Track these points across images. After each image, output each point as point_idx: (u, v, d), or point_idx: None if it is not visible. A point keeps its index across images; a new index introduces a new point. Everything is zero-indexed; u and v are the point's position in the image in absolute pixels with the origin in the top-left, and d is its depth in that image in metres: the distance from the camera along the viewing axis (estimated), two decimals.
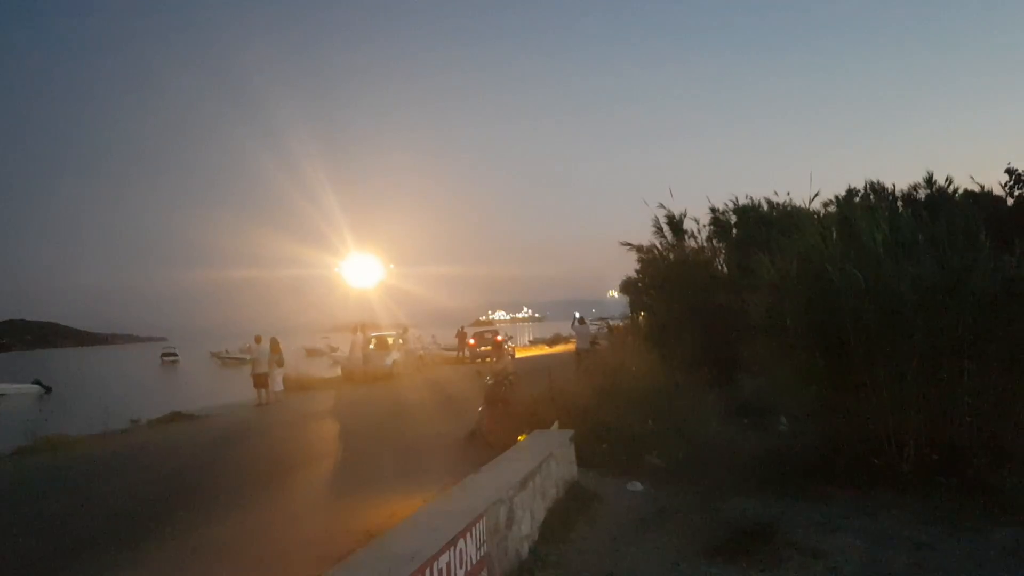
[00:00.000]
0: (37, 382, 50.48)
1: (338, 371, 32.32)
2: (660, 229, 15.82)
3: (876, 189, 16.00)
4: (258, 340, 23.09)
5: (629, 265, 18.45)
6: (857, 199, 15.61)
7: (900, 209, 14.31)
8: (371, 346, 31.03)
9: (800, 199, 14.72)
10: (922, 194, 15.83)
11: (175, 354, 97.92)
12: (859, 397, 8.68)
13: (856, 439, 8.73)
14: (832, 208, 14.33)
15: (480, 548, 5.15)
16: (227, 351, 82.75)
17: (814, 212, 13.79)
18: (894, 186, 15.87)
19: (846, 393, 8.85)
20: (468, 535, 4.94)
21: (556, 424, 10.37)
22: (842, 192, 15.26)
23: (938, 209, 12.36)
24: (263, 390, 22.14)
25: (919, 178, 15.59)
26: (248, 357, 26.84)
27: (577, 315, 27.89)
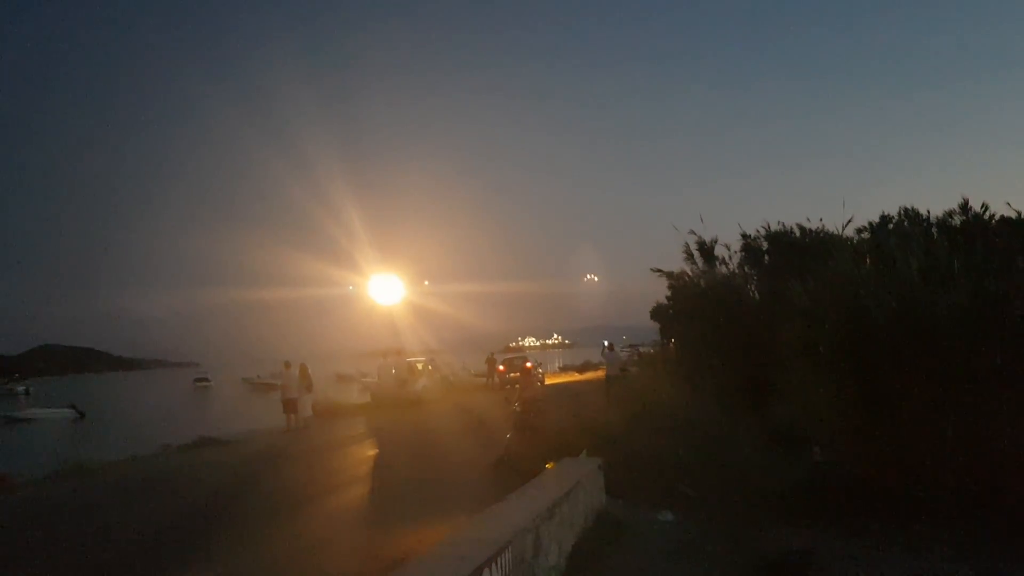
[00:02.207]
0: (71, 407, 51.16)
1: (368, 397, 32.36)
2: (691, 255, 15.69)
3: (910, 215, 15.72)
4: (287, 366, 23.16)
5: (660, 291, 18.31)
6: (891, 226, 15.35)
7: (935, 236, 14.07)
8: (394, 371, 31.09)
9: (833, 225, 14.51)
10: (957, 220, 15.53)
11: (207, 379, 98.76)
12: (895, 425, 8.50)
13: (892, 469, 8.53)
14: (866, 235, 14.12)
15: None
16: (258, 376, 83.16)
17: (847, 238, 13.60)
18: (929, 212, 15.57)
19: (881, 421, 8.68)
20: (493, 565, 4.86)
21: (585, 452, 10.26)
22: (876, 218, 15.00)
23: (974, 236, 12.13)
24: (292, 415, 22.18)
25: (954, 204, 15.34)
26: (278, 382, 26.96)
27: (606, 342, 27.71)
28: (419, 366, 31.57)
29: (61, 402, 54.33)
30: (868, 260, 9.79)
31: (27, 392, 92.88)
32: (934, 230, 15.08)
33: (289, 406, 22.27)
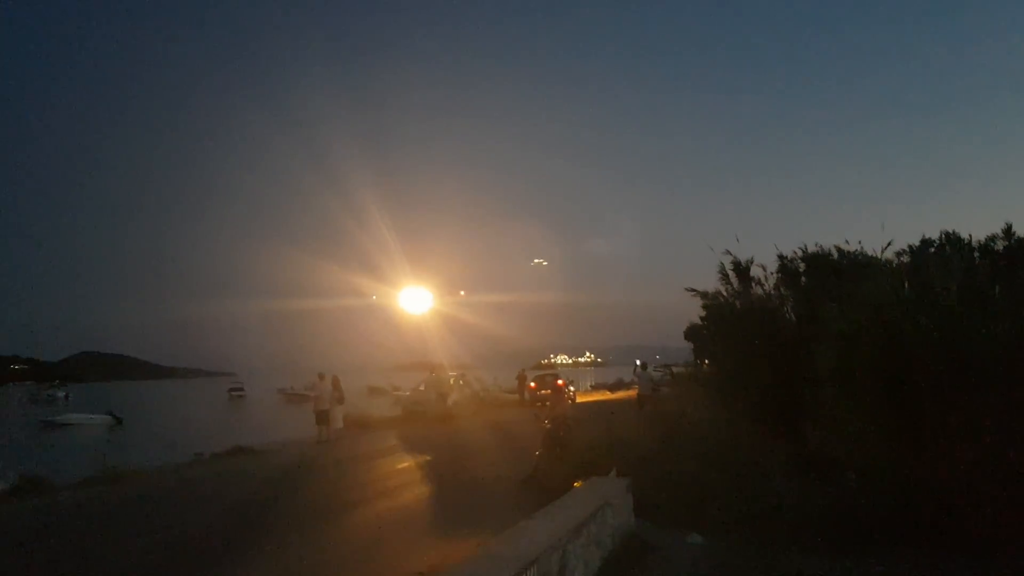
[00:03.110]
0: (109, 413, 51.97)
1: (399, 411, 32.47)
2: (726, 275, 15.53)
3: (951, 240, 15.47)
4: (321, 377, 23.34)
5: (694, 311, 18.19)
6: (931, 250, 15.10)
7: (976, 260, 13.81)
8: (424, 386, 31.27)
9: (872, 248, 14.30)
10: (1000, 245, 15.26)
11: (242, 389, 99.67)
12: (931, 453, 8.33)
13: (928, 497, 8.35)
14: (905, 258, 13.90)
15: None
16: (292, 387, 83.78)
17: (886, 262, 13.40)
18: (970, 237, 15.31)
19: (918, 448, 8.50)
20: None
21: (614, 471, 10.19)
22: (916, 242, 14.77)
23: (1017, 261, 11.91)
24: (324, 427, 22.32)
25: (997, 229, 15.08)
26: (311, 393, 27.13)
27: (639, 361, 27.58)
28: (450, 381, 31.64)
29: (99, 408, 55.15)
30: (907, 284, 9.62)
31: (67, 398, 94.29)
32: (976, 255, 14.82)
33: (321, 417, 22.41)
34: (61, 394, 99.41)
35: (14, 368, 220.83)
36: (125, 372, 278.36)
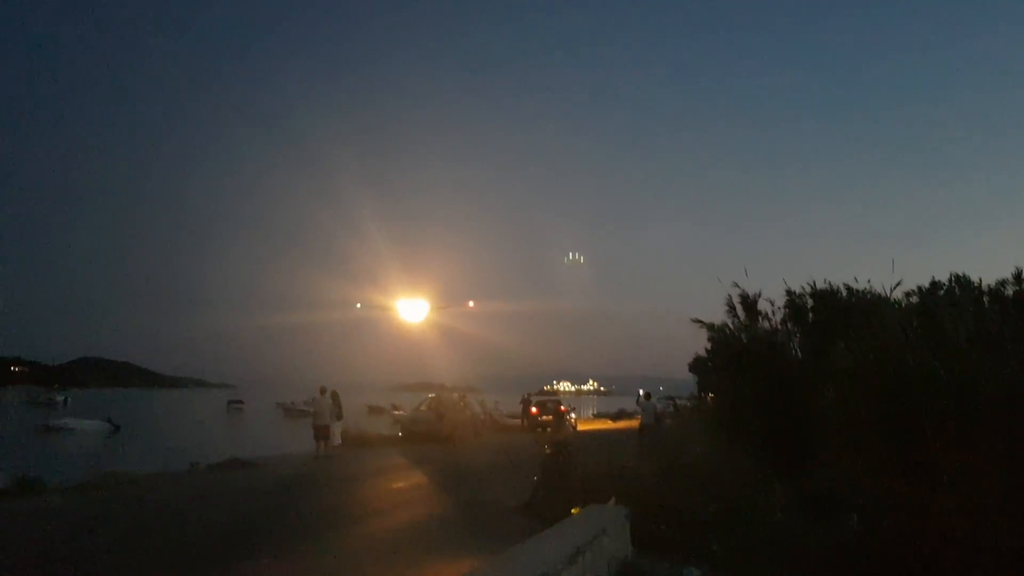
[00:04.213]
0: (107, 420, 51.86)
1: (398, 430, 32.37)
2: (733, 308, 15.46)
3: (961, 282, 15.41)
4: (322, 391, 23.24)
5: (699, 343, 18.05)
6: (941, 292, 15.04)
7: (986, 304, 13.74)
8: (425, 407, 31.17)
9: (881, 287, 14.25)
10: (1010, 290, 15.21)
11: (241, 402, 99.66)
12: (935, 495, 8.21)
13: (931, 539, 8.22)
14: (914, 299, 13.84)
15: None
16: (292, 402, 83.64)
17: (895, 302, 13.34)
18: (980, 280, 15.26)
19: (922, 489, 8.38)
20: None
21: (613, 500, 10.07)
22: (925, 283, 14.72)
23: None
24: (323, 442, 22.21)
25: (1007, 273, 15.05)
26: (310, 409, 27.04)
27: (642, 392, 27.46)
28: (451, 403, 31.54)
29: (98, 414, 55.06)
30: (916, 324, 9.55)
31: (66, 402, 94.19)
32: (986, 298, 14.75)
33: (320, 433, 22.31)
34: (60, 398, 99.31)
35: (15, 370, 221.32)
36: (126, 379, 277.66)
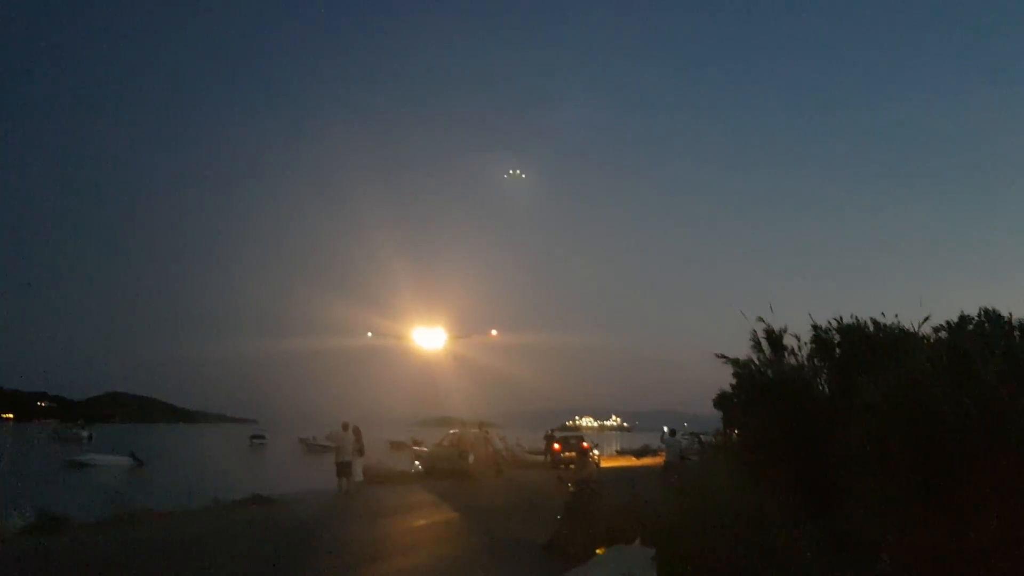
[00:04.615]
0: (131, 455, 52.12)
1: (419, 466, 32.23)
2: (758, 343, 15.31)
3: (991, 317, 15.19)
4: (345, 427, 23.16)
5: (723, 378, 17.87)
6: (970, 327, 14.83)
7: (1017, 339, 13.52)
8: (447, 443, 31.04)
9: (908, 322, 14.09)
10: None
11: (263, 437, 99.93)
12: (968, 535, 8.02)
13: None
14: (943, 334, 13.65)
15: None
16: (314, 437, 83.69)
17: (923, 337, 13.16)
18: (1011, 315, 15.04)
19: (954, 529, 8.19)
20: None
21: (638, 540, 9.92)
22: (954, 318, 14.52)
23: None
24: (344, 479, 22.11)
25: None
26: (332, 444, 27.00)
27: (666, 428, 27.23)
28: (473, 438, 31.35)
29: (122, 449, 55.35)
30: (944, 360, 9.40)
31: (90, 438, 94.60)
32: (1016, 334, 14.52)
33: (342, 469, 22.22)
34: (85, 434, 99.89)
35: (41, 405, 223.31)
36: (150, 414, 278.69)
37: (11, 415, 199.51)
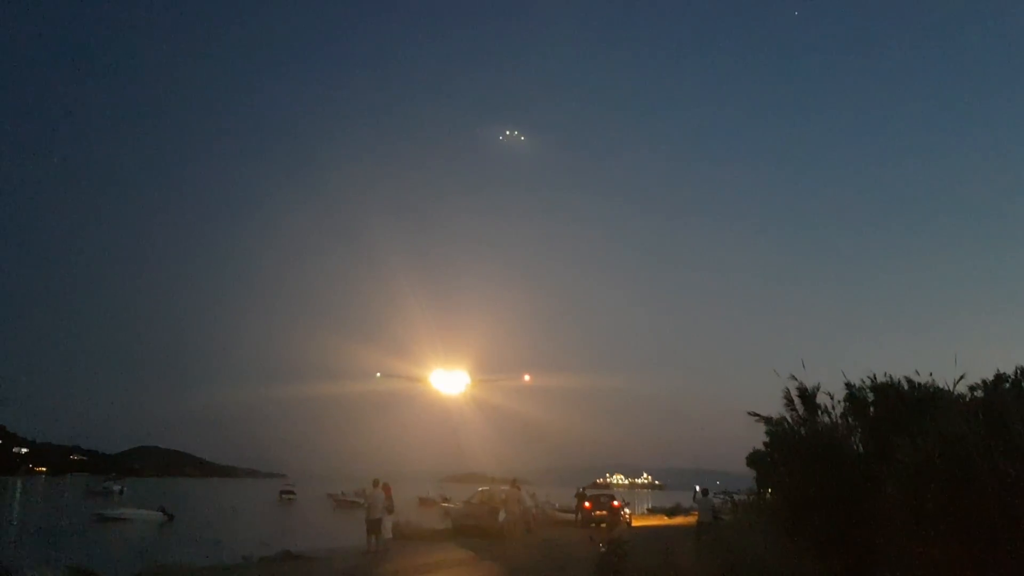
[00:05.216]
0: (161, 509, 52.24)
1: (449, 524, 32.00)
2: (791, 401, 15.22)
3: None
4: (375, 484, 23.10)
5: (756, 436, 17.73)
6: (1007, 385, 14.65)
7: None
8: (477, 500, 30.83)
9: (943, 381, 13.96)
10: None
11: (293, 492, 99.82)
12: None
13: None
14: (979, 393, 13.50)
15: None
16: (343, 492, 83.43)
17: (959, 395, 13.03)
18: None
19: None
20: None
21: None
22: (989, 376, 14.35)
23: None
24: (374, 536, 22.00)
25: None
26: (362, 501, 26.86)
27: (699, 487, 26.94)
28: (502, 496, 31.12)
29: (152, 504, 55.51)
30: (981, 420, 9.30)
31: (121, 491, 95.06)
32: None
33: (372, 527, 22.12)
34: (117, 487, 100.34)
35: (73, 459, 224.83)
36: (181, 468, 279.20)
37: (44, 468, 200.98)
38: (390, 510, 23.05)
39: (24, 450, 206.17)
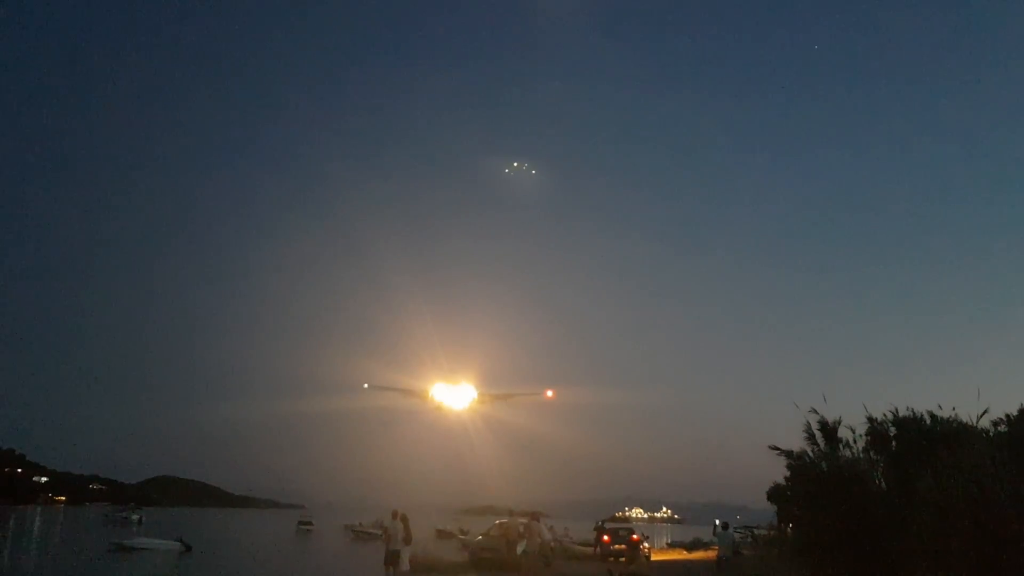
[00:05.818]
0: (179, 540, 52.24)
1: (466, 556, 31.81)
2: (812, 435, 15.14)
3: None
4: (395, 515, 23.00)
5: (777, 470, 17.62)
6: None
7: None
8: (494, 532, 30.66)
9: (966, 415, 13.85)
10: None
11: (311, 523, 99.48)
12: None
13: None
14: (1002, 428, 13.38)
15: None
16: (360, 524, 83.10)
17: (982, 430, 12.92)
18: None
19: None
20: None
21: None
22: (1013, 411, 14.24)
23: None
24: (392, 567, 21.89)
25: None
26: (379, 532, 26.76)
27: (718, 521, 26.65)
28: (520, 528, 30.89)
29: (170, 534, 55.53)
30: (1006, 454, 9.23)
31: (140, 521, 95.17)
32: None
33: (391, 558, 22.01)
34: (135, 517, 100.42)
35: (93, 488, 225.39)
36: (200, 498, 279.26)
37: (63, 498, 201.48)
38: (408, 541, 22.95)
39: (44, 479, 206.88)
